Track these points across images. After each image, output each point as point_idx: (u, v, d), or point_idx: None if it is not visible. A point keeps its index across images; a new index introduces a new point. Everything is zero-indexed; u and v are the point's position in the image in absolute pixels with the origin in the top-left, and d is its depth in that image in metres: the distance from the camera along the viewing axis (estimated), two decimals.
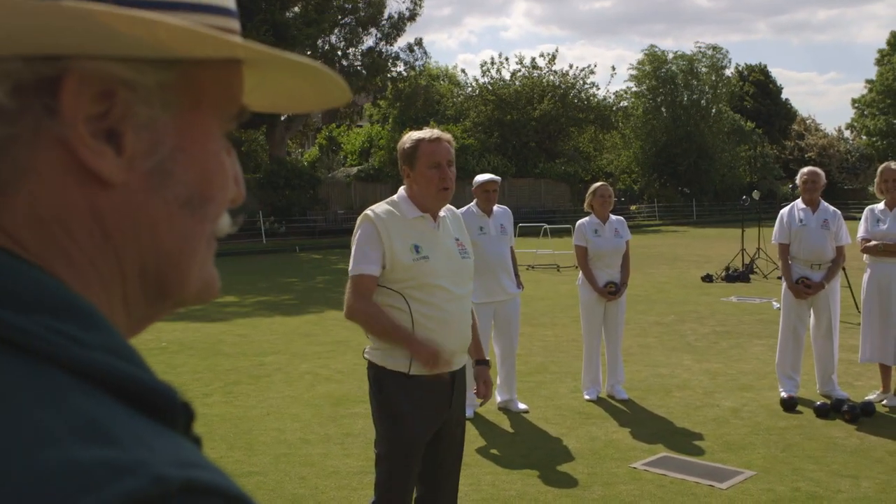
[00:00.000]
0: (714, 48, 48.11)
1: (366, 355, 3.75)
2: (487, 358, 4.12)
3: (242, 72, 0.70)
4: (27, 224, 0.59)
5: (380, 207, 3.71)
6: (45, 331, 0.55)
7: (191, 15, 0.63)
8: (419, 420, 3.64)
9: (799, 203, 7.50)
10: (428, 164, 3.63)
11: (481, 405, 6.88)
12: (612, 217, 7.59)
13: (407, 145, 3.70)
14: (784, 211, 7.57)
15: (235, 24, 0.69)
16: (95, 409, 0.53)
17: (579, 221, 7.67)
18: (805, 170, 7.56)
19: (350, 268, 3.66)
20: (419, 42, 38.51)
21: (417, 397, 3.61)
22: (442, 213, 3.77)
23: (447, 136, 3.76)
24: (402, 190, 3.78)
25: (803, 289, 7.29)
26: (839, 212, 7.51)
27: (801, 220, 7.38)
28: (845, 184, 54.52)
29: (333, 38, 35.80)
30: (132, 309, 0.66)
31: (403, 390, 3.61)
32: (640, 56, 48.63)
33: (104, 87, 0.60)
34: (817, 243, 7.30)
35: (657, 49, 47.98)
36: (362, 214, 3.70)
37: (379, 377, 3.67)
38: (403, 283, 3.58)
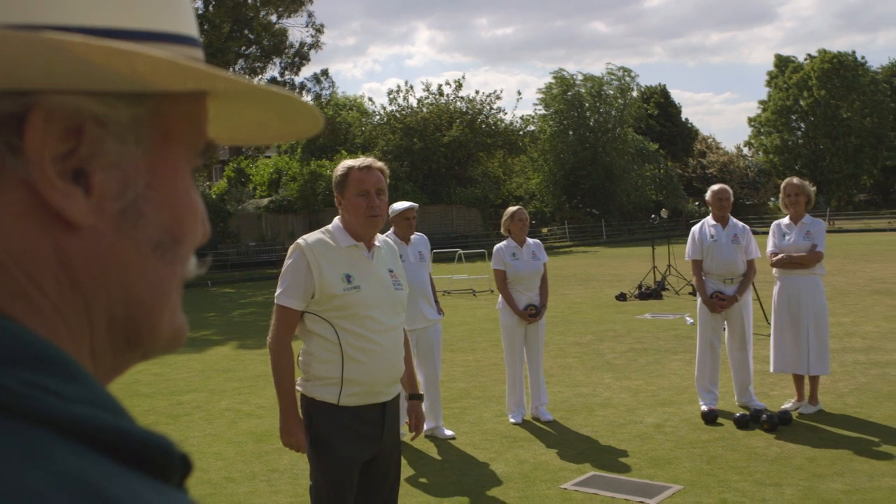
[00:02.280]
0: (623, 69, 49.17)
1: (297, 387, 3.73)
2: (421, 392, 4.10)
3: (206, 104, 0.66)
4: None
5: (312, 236, 3.70)
6: (23, 385, 0.50)
7: (160, 46, 0.60)
8: (349, 449, 3.63)
9: (709, 220, 7.69)
10: (356, 192, 3.64)
11: (413, 439, 6.83)
12: (529, 240, 7.66)
13: (339, 172, 3.71)
14: (695, 228, 7.75)
15: (199, 52, 0.66)
16: (86, 469, 0.49)
17: (497, 245, 7.72)
18: (715, 187, 7.76)
19: (276, 294, 3.68)
20: (325, 72, 38.44)
21: (346, 427, 3.61)
22: (377, 243, 3.78)
23: (379, 164, 3.76)
24: (336, 219, 3.77)
25: (718, 303, 7.47)
26: (748, 227, 7.74)
27: (712, 237, 7.57)
28: (746, 199, 56.23)
29: (238, 68, 35.46)
30: (99, 361, 0.62)
31: (332, 420, 3.61)
32: (547, 80, 49.39)
33: (72, 123, 0.56)
34: (729, 258, 7.49)
35: (565, 72, 48.80)
36: (294, 243, 3.69)
37: (308, 408, 3.67)
38: (334, 311, 3.58)
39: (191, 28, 0.65)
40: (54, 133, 0.55)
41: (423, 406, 7.18)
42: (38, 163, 0.55)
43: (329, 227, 3.76)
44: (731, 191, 7.74)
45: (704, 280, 7.60)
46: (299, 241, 3.69)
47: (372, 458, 3.72)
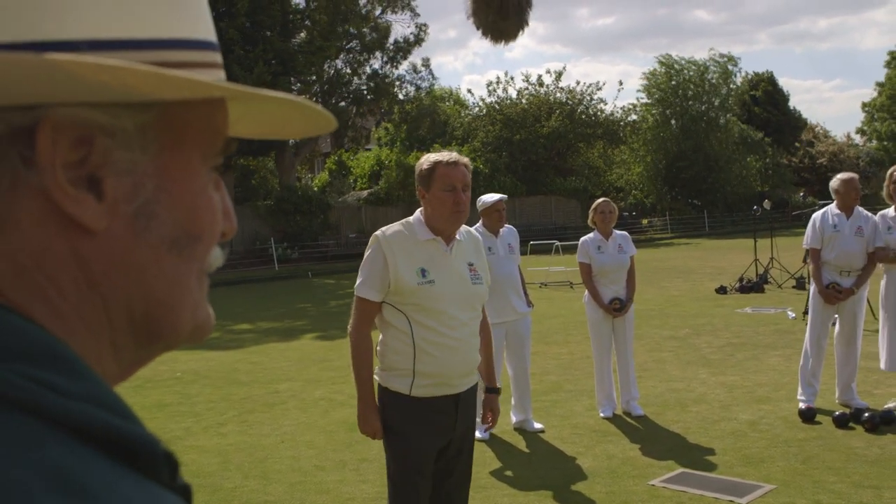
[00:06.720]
0: (728, 57, 47.75)
1: (375, 376, 3.81)
2: (499, 386, 4.11)
3: (226, 105, 0.68)
4: (8, 273, 0.58)
5: (391, 228, 3.75)
6: (22, 378, 0.53)
7: (166, 52, 0.62)
8: (421, 439, 3.68)
9: (833, 208, 7.37)
10: (443, 187, 3.65)
11: (487, 431, 6.81)
12: (616, 232, 7.55)
13: (424, 167, 3.73)
14: (817, 215, 7.45)
15: (214, 56, 0.68)
16: (69, 460, 0.52)
17: (582, 238, 7.66)
18: (843, 176, 7.42)
19: (356, 284, 3.75)
20: (426, 63, 38.64)
21: (418, 417, 3.67)
22: (458, 237, 3.77)
23: (465, 160, 3.77)
24: (418, 212, 3.79)
25: (834, 294, 7.19)
26: (873, 216, 7.36)
27: (835, 226, 7.26)
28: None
29: (339, 63, 35.95)
30: (121, 354, 0.65)
31: (404, 410, 3.68)
32: (652, 67, 48.23)
33: (81, 134, 0.59)
34: (851, 249, 7.19)
35: (671, 56, 47.59)
36: (373, 235, 3.75)
37: (382, 397, 3.75)
38: (408, 304, 3.62)
39: (205, 32, 0.67)
40: (64, 143, 0.58)
41: (512, 398, 7.21)
42: (50, 172, 0.58)
43: (410, 219, 3.78)
44: (856, 178, 7.34)
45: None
46: (377, 233, 3.74)
47: (444, 450, 3.75)
